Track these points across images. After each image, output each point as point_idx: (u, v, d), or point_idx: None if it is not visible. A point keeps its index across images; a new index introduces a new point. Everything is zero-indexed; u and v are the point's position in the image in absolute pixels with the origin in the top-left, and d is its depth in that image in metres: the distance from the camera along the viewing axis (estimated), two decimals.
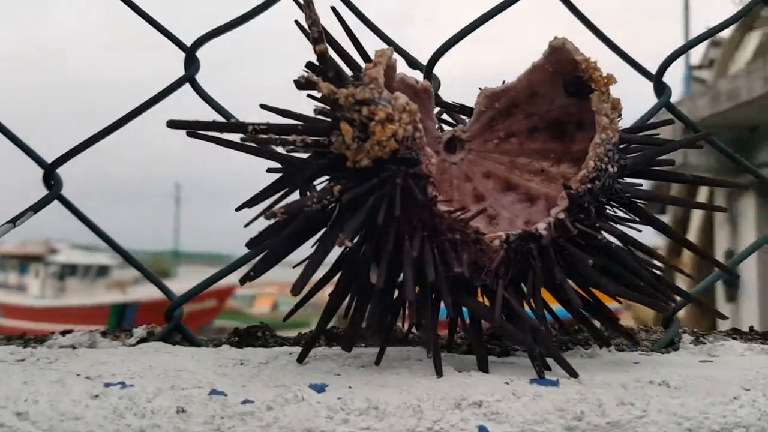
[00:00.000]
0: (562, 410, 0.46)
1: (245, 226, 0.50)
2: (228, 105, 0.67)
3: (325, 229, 0.52)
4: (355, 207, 0.49)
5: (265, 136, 0.49)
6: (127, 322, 14.50)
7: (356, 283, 0.52)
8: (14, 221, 0.63)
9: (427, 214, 0.50)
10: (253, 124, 0.50)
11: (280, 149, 0.51)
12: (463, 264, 0.50)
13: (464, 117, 0.64)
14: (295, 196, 0.55)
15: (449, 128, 0.63)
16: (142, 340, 0.64)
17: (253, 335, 0.65)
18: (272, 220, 0.48)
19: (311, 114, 0.53)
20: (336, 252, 0.53)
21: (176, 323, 0.65)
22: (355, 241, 0.52)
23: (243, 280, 0.49)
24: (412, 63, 0.69)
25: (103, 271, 18.55)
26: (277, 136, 0.49)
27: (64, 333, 0.63)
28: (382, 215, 0.49)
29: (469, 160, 0.62)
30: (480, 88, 0.61)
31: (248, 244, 0.52)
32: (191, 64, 0.67)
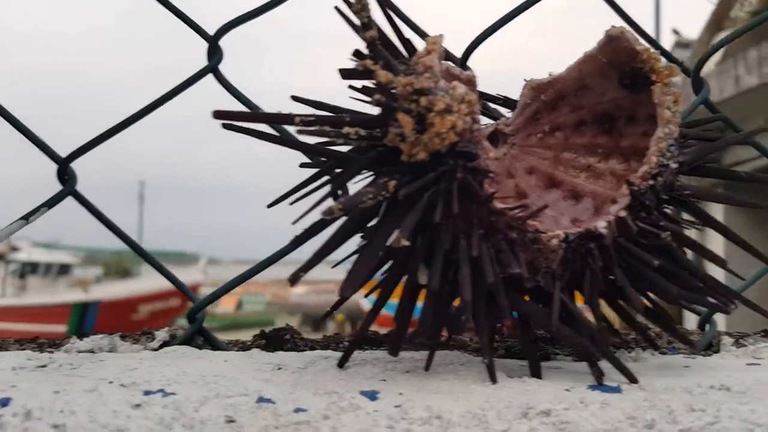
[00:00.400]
0: (633, 418, 0.44)
1: (293, 222, 0.47)
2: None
3: (371, 225, 0.49)
4: (408, 203, 0.47)
5: (314, 128, 0.46)
6: (89, 321, 14.29)
7: (407, 284, 0.50)
8: (27, 217, 0.60)
9: (484, 211, 0.48)
10: (300, 116, 0.47)
11: (300, 139, 0.48)
12: (522, 264, 0.48)
13: (501, 110, 0.62)
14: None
15: (491, 121, 0.60)
16: (164, 344, 0.60)
17: (281, 338, 0.62)
18: (322, 217, 0.45)
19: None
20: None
21: (199, 326, 0.61)
22: None
23: (293, 280, 0.46)
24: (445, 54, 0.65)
25: (64, 269, 18.22)
26: (331, 129, 0.45)
27: (81, 336, 0.60)
28: (439, 212, 0.46)
29: (511, 155, 0.59)
30: (525, 80, 0.58)
31: (294, 242, 0.48)
32: (214, 53, 0.64)
